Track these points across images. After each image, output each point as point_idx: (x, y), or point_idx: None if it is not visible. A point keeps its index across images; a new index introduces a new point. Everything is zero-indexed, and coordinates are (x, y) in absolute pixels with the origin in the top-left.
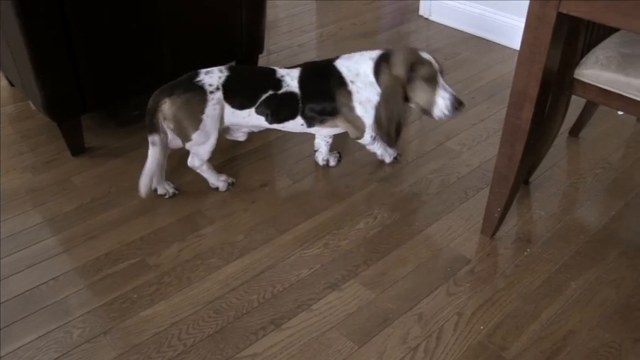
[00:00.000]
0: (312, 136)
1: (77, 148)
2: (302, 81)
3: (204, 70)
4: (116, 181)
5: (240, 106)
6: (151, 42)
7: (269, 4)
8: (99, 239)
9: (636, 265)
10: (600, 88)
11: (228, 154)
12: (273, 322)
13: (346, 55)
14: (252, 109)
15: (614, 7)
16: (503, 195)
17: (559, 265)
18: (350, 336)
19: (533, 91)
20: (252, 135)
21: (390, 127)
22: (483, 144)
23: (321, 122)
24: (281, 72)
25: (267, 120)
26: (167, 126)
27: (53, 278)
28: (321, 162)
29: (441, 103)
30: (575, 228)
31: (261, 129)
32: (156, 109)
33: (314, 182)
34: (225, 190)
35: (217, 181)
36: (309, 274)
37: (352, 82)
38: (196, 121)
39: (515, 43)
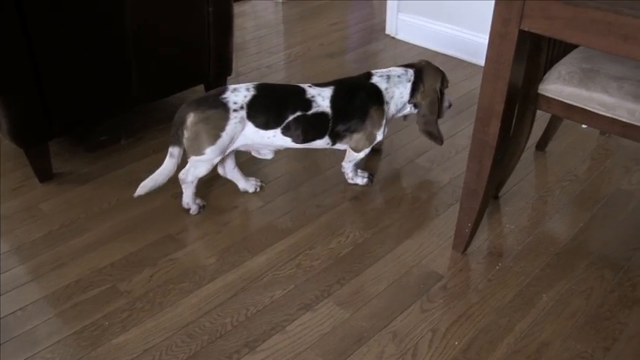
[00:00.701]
0: (283, 156)
1: (45, 175)
2: (334, 101)
3: (232, 87)
4: (85, 207)
5: (265, 125)
6: (118, 66)
7: (236, 26)
8: (68, 266)
9: (604, 275)
10: (563, 102)
11: None
12: (248, 344)
13: (381, 73)
14: (278, 130)
15: (572, 25)
16: (473, 210)
17: (530, 277)
18: (325, 356)
19: (499, 106)
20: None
21: (438, 128)
22: (452, 160)
23: (343, 138)
24: (311, 92)
25: (293, 141)
26: (184, 137)
27: (21, 308)
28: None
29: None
30: (545, 240)
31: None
32: (182, 121)
33: (285, 203)
34: (197, 214)
35: (193, 202)
36: (282, 295)
37: (387, 102)
38: (214, 138)
39: (480, 59)
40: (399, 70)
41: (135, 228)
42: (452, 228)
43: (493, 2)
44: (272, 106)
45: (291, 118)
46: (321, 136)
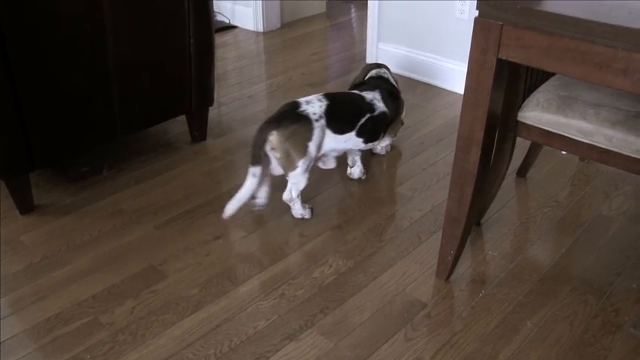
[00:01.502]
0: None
1: (26, 206)
2: (385, 102)
3: (303, 100)
4: (67, 239)
5: (342, 131)
6: (100, 98)
7: (218, 57)
8: (49, 299)
9: (588, 300)
10: (542, 129)
11: (179, 207)
12: None
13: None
14: (353, 133)
15: (547, 53)
16: (456, 238)
17: (514, 304)
18: None
19: (479, 134)
20: (202, 188)
21: None
22: (434, 188)
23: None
24: (368, 96)
25: (364, 142)
26: (274, 156)
27: (0, 343)
28: (358, 175)
29: None
30: (528, 267)
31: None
32: (264, 141)
33: (268, 233)
34: (310, 217)
35: (304, 210)
36: (266, 326)
37: None
38: (303, 150)
39: (460, 87)
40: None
41: (117, 259)
42: (435, 256)
43: (471, 32)
44: (347, 111)
45: (362, 120)
46: (380, 135)
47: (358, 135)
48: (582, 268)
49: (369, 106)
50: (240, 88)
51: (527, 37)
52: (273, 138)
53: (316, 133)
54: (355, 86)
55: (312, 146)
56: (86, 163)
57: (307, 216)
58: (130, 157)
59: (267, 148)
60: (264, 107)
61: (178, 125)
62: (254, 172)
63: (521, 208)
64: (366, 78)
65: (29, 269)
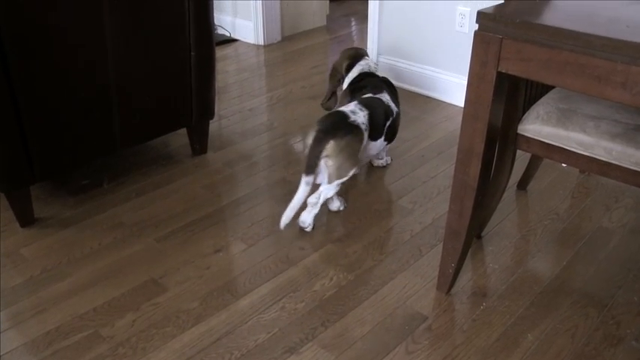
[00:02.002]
0: (265, 199)
1: (26, 219)
2: (394, 101)
3: (347, 110)
4: (67, 252)
5: (376, 137)
6: (101, 111)
7: (218, 70)
8: (49, 312)
9: (589, 313)
10: (542, 142)
11: (180, 220)
12: None
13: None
14: (382, 138)
15: (547, 67)
16: (457, 250)
17: (515, 317)
18: None
19: (479, 147)
20: (203, 201)
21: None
22: (435, 201)
23: None
24: (384, 98)
25: (387, 144)
26: (326, 164)
27: (0, 356)
28: (337, 207)
29: None
30: (529, 279)
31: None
32: (321, 151)
33: (268, 246)
34: (344, 208)
35: (313, 221)
36: (267, 339)
37: None
38: (356, 160)
39: (460, 100)
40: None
41: (117, 272)
42: (435, 268)
43: (471, 45)
44: (379, 118)
45: (388, 124)
46: (396, 134)
47: (385, 139)
48: (583, 280)
49: (389, 109)
50: (240, 101)
51: (526, 51)
52: (330, 148)
53: (364, 142)
54: (355, 87)
55: (360, 156)
56: (86, 176)
57: (342, 206)
58: (131, 169)
59: (322, 157)
60: (265, 120)
61: (179, 138)
62: (308, 181)
63: (521, 220)
64: (355, 73)
65: (29, 282)
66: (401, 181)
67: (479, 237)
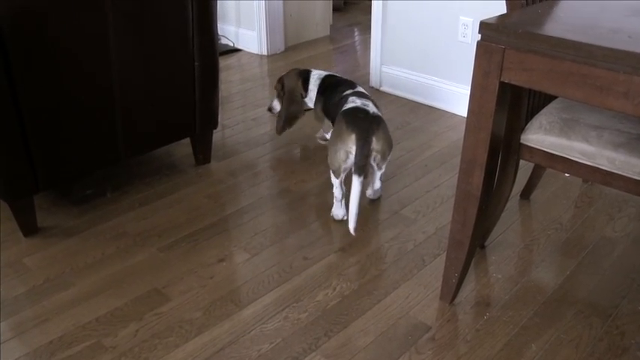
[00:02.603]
0: (269, 208)
1: (29, 229)
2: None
3: (360, 103)
4: (70, 261)
5: None
6: (104, 121)
7: (222, 79)
8: (52, 322)
9: (593, 324)
10: (545, 151)
11: (183, 230)
12: None
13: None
14: None
15: (549, 77)
16: (460, 260)
17: (518, 327)
18: None
19: (482, 157)
20: (206, 210)
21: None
22: (438, 210)
23: None
24: (362, 90)
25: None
26: (375, 159)
27: None
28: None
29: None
30: (532, 289)
31: None
32: (370, 149)
33: (272, 255)
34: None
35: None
36: (270, 349)
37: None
38: (391, 138)
39: (463, 110)
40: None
41: (120, 282)
42: (439, 278)
43: (474, 55)
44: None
45: None
46: None
47: None
48: (587, 290)
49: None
50: (244, 111)
51: (529, 61)
52: (376, 143)
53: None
54: (328, 91)
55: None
56: (90, 186)
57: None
58: (134, 179)
59: (372, 154)
60: (268, 130)
61: (182, 148)
62: (361, 180)
63: (525, 230)
64: (316, 82)
65: (32, 292)
66: (404, 190)
67: (482, 247)
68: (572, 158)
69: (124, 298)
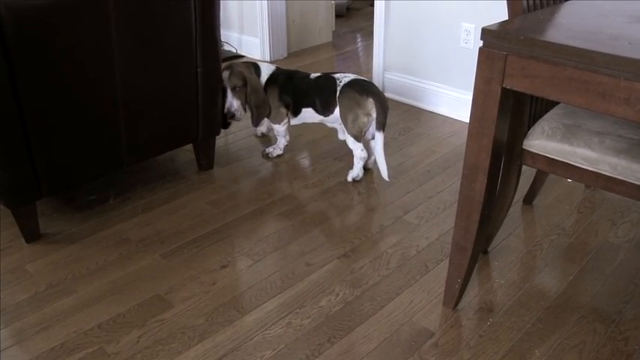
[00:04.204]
0: (271, 215)
1: (32, 235)
2: None
3: (352, 76)
4: (73, 268)
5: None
6: (108, 126)
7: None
8: (54, 329)
9: (596, 329)
10: (548, 157)
11: (186, 236)
12: None
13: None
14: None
15: (551, 83)
16: (463, 266)
17: (522, 333)
18: None
19: (485, 163)
20: (209, 216)
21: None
22: (441, 216)
23: None
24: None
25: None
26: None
27: None
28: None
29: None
30: (535, 295)
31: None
32: (387, 106)
33: (274, 261)
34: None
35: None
36: (272, 356)
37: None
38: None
39: (465, 116)
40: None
41: (123, 288)
42: (442, 284)
43: (476, 61)
44: None
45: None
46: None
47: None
48: (590, 296)
49: None
50: (247, 117)
51: (531, 67)
52: (386, 101)
53: None
54: (285, 78)
55: None
56: (93, 192)
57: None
58: (137, 185)
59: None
60: (270, 135)
61: (185, 154)
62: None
63: (527, 235)
64: (267, 69)
65: (34, 298)
66: (407, 196)
67: (485, 252)
68: (574, 164)
69: (127, 304)
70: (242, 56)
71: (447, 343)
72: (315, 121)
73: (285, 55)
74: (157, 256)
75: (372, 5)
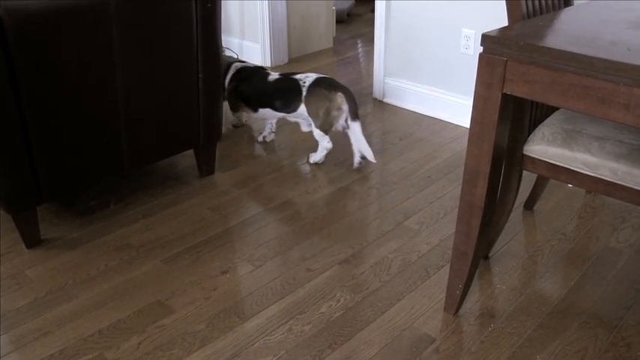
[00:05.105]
0: (272, 220)
1: (32, 241)
2: None
3: (315, 75)
4: (73, 273)
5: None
6: (109, 132)
7: None
8: (54, 335)
9: (598, 335)
10: (548, 162)
11: (187, 242)
12: None
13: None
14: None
15: (551, 88)
16: (464, 271)
17: (523, 338)
18: None
19: (485, 168)
20: (210, 222)
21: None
22: (442, 221)
23: None
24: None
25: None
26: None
27: None
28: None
29: None
30: (537, 300)
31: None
32: (353, 96)
33: (275, 267)
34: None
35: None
36: None
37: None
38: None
39: (466, 121)
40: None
41: (123, 294)
42: (443, 289)
43: (476, 67)
44: None
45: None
46: None
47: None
48: (591, 301)
49: None
50: (247, 123)
51: (531, 73)
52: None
53: None
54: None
55: None
56: (94, 197)
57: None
58: (138, 191)
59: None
60: (271, 142)
61: (186, 159)
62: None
63: (528, 241)
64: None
65: (34, 304)
66: (407, 202)
67: (486, 258)
68: (574, 169)
69: (127, 310)
70: (243, 62)
71: (448, 349)
72: (277, 117)
73: (286, 60)
74: (157, 261)
75: (373, 11)
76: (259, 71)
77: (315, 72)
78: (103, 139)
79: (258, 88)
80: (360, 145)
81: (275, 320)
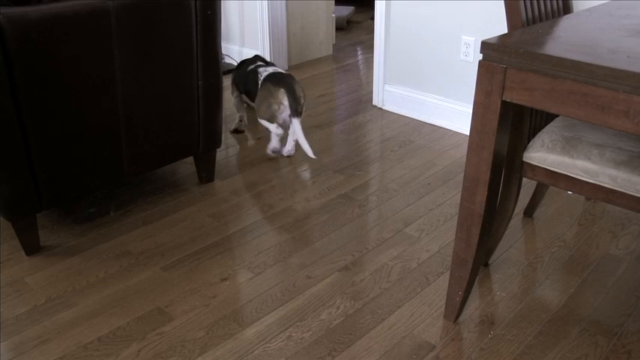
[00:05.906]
0: (272, 227)
1: (32, 248)
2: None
3: (271, 69)
4: (73, 280)
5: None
6: (109, 139)
7: (225, 98)
8: (53, 342)
9: (598, 342)
10: (548, 170)
11: (187, 249)
12: None
13: None
14: None
15: (550, 96)
16: (464, 279)
17: (523, 346)
18: None
19: (485, 175)
20: (210, 229)
21: None
22: (441, 228)
23: None
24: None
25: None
26: (300, 102)
27: None
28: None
29: None
30: (537, 307)
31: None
32: (297, 95)
33: (275, 274)
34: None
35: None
36: None
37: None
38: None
39: (465, 128)
40: None
41: (123, 301)
42: (443, 297)
43: (476, 74)
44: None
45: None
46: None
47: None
48: (592, 308)
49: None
50: (247, 130)
51: (530, 80)
52: (299, 90)
53: None
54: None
55: None
56: (93, 204)
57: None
58: (138, 198)
59: (300, 98)
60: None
61: (186, 167)
62: (300, 120)
63: (528, 248)
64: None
65: (33, 311)
66: (407, 209)
67: (486, 265)
68: (574, 176)
69: (127, 317)
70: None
71: (448, 356)
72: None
73: (286, 67)
74: (157, 268)
75: (373, 19)
76: (251, 64)
77: (274, 66)
78: (102, 146)
79: (242, 77)
80: (299, 141)
81: (275, 327)
